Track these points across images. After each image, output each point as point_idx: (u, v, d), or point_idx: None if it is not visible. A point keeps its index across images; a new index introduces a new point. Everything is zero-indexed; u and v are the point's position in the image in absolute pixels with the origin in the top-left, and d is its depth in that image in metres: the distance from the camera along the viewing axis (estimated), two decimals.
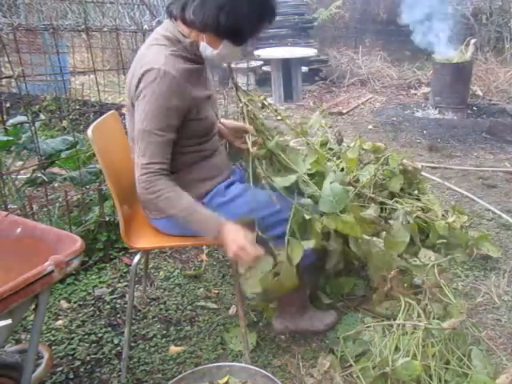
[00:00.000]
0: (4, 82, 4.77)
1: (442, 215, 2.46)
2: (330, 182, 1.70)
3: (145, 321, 2.03)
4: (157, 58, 1.43)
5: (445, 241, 2.35)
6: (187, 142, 1.55)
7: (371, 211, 1.93)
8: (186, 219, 1.47)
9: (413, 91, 6.20)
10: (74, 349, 1.86)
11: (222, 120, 1.77)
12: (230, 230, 1.45)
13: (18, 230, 1.42)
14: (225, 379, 1.53)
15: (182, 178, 1.57)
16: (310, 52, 5.99)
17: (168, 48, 1.47)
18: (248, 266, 1.46)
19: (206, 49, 1.50)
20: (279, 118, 1.82)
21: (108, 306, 2.11)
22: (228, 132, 1.78)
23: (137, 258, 1.65)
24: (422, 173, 3.11)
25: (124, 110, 2.10)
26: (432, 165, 3.79)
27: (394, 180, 2.49)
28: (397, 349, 1.60)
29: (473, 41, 5.10)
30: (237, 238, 1.43)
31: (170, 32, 1.50)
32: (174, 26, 1.50)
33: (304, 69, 6.23)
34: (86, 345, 1.89)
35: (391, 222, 2.03)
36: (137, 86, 1.44)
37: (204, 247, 2.49)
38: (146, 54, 1.48)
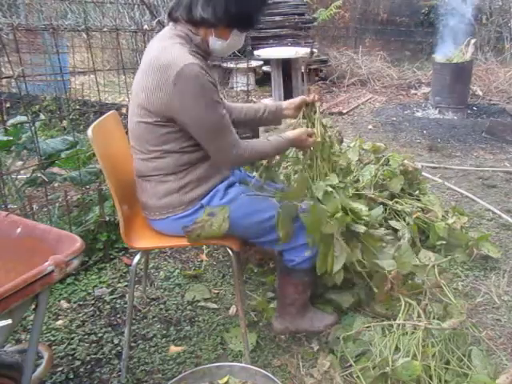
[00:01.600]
0: (4, 82, 4.77)
1: (442, 216, 2.46)
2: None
3: (145, 321, 2.03)
4: (181, 56, 1.44)
5: (444, 242, 2.35)
6: (188, 142, 1.55)
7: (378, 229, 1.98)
8: (275, 153, 1.74)
9: (413, 91, 6.21)
10: (74, 349, 1.86)
11: (283, 102, 1.92)
12: (293, 134, 1.71)
13: (18, 230, 1.42)
14: (225, 379, 1.53)
15: (182, 177, 1.57)
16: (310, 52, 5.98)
17: (185, 46, 1.49)
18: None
19: (216, 43, 1.54)
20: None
21: (108, 306, 2.11)
22: (292, 111, 1.88)
23: (137, 257, 1.65)
24: (422, 173, 3.11)
25: (124, 110, 2.10)
26: (432, 165, 3.79)
27: (394, 180, 2.50)
28: (397, 349, 1.60)
29: (473, 41, 5.10)
30: (299, 131, 1.73)
31: (180, 31, 1.52)
32: (181, 26, 1.52)
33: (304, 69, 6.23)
34: (86, 345, 1.89)
35: (400, 242, 2.08)
36: (172, 87, 1.43)
37: (204, 247, 2.49)
38: (165, 54, 1.46)
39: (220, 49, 1.57)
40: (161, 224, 1.64)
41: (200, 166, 1.60)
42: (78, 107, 4.36)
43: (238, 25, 1.53)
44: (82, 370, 1.77)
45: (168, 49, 1.47)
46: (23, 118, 2.56)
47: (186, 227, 1.57)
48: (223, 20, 1.49)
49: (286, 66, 5.80)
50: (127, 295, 2.14)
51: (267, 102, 1.93)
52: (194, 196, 1.59)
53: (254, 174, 1.85)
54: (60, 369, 1.76)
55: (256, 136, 3.55)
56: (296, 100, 1.86)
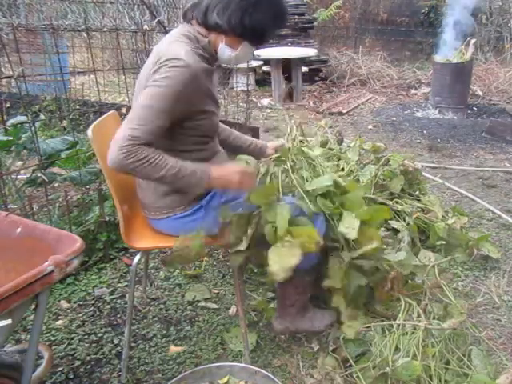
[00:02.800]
0: (4, 82, 4.76)
1: (442, 216, 2.46)
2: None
3: (145, 321, 2.03)
4: (179, 51, 1.44)
5: (444, 242, 2.35)
6: (190, 142, 1.55)
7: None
8: (175, 177, 1.42)
9: (413, 91, 6.21)
10: (74, 349, 1.86)
11: (268, 143, 1.93)
12: (221, 168, 1.51)
13: (18, 230, 1.42)
14: (225, 379, 1.53)
15: None
16: (310, 52, 5.99)
17: (189, 45, 1.49)
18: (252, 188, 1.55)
19: (225, 50, 1.55)
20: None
21: (108, 306, 2.11)
22: (271, 153, 1.87)
23: (137, 257, 1.65)
24: (422, 173, 3.11)
25: (124, 110, 2.10)
26: (432, 165, 3.79)
27: (394, 181, 2.50)
28: (397, 349, 1.60)
29: (473, 41, 5.10)
30: (232, 169, 1.51)
31: (188, 31, 1.53)
32: (192, 27, 1.54)
33: (304, 69, 6.23)
34: (86, 345, 1.89)
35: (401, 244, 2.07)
36: (155, 69, 1.43)
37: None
38: (166, 48, 1.48)
39: (227, 58, 1.57)
40: (161, 223, 1.64)
41: None
42: (77, 107, 4.36)
43: (250, 38, 1.54)
44: (82, 369, 1.77)
45: (171, 44, 1.49)
46: (23, 118, 2.55)
47: (164, 257, 1.54)
48: (236, 30, 1.50)
49: (286, 65, 5.80)
50: (127, 295, 2.14)
51: (256, 140, 1.94)
52: (194, 196, 1.59)
53: None
54: (60, 369, 1.76)
55: (256, 135, 3.56)
56: (275, 144, 1.91)
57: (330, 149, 2.68)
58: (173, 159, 1.43)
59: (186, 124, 1.52)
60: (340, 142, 2.71)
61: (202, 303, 2.12)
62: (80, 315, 2.05)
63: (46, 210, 2.33)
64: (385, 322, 1.75)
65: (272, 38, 1.64)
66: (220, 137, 1.82)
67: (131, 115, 1.41)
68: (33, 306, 1.28)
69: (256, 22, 1.49)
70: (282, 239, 1.50)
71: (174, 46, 1.47)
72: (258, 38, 1.57)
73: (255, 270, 2.30)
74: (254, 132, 3.52)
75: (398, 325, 1.67)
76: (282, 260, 1.46)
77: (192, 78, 1.42)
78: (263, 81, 6.46)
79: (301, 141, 1.88)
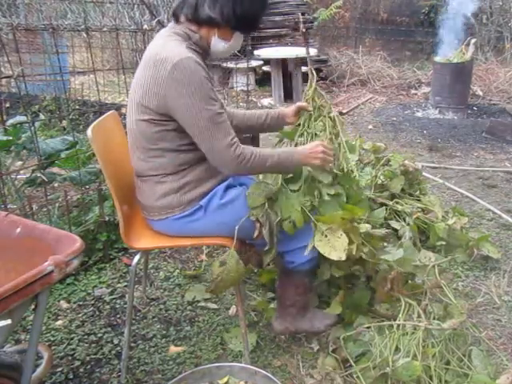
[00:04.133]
0: (4, 81, 4.76)
1: (443, 216, 2.46)
2: None
3: (145, 321, 2.03)
4: (177, 51, 1.45)
5: (444, 243, 2.35)
6: (184, 141, 1.54)
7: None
8: (278, 163, 1.56)
9: (413, 91, 6.20)
10: (73, 349, 1.86)
11: (285, 109, 1.89)
12: (305, 148, 1.62)
13: (18, 230, 1.42)
14: (225, 379, 1.53)
15: (181, 178, 1.57)
16: (310, 52, 5.98)
17: (182, 42, 1.50)
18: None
19: (218, 44, 1.55)
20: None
21: (108, 306, 2.11)
22: (290, 119, 1.85)
23: (137, 258, 1.65)
24: (423, 173, 3.11)
25: (124, 110, 2.10)
26: (432, 165, 3.79)
27: (395, 181, 2.49)
28: (397, 349, 1.59)
29: (473, 41, 5.10)
30: (314, 143, 1.63)
31: (178, 29, 1.53)
32: (181, 25, 1.54)
33: (304, 69, 6.23)
34: (86, 345, 1.88)
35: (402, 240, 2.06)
36: (169, 81, 1.43)
37: (204, 247, 2.49)
38: (161, 50, 1.47)
39: (222, 50, 1.58)
40: (160, 224, 1.64)
41: (198, 167, 1.59)
42: (77, 107, 4.36)
43: (243, 27, 1.55)
44: (81, 370, 1.76)
45: (165, 45, 1.49)
46: (23, 118, 2.55)
47: (207, 288, 1.58)
48: (230, 21, 1.50)
49: (286, 65, 5.80)
50: (127, 295, 2.14)
51: (269, 110, 1.90)
52: (193, 196, 1.59)
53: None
54: (60, 369, 1.76)
55: (256, 137, 3.55)
56: (293, 107, 1.86)
57: None
58: (263, 149, 1.58)
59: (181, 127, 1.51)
60: None
61: (202, 303, 2.12)
62: (80, 315, 2.05)
63: (45, 210, 2.33)
64: (385, 322, 1.75)
65: (261, 23, 1.66)
66: (234, 123, 1.79)
67: (204, 134, 1.47)
68: (32, 306, 1.28)
69: (247, 11, 1.50)
70: (319, 231, 1.57)
71: (171, 46, 1.47)
72: (250, 26, 1.59)
73: (255, 270, 2.30)
74: (255, 134, 3.51)
75: (398, 325, 1.67)
76: (334, 247, 1.55)
77: (202, 68, 1.46)
78: (263, 81, 6.45)
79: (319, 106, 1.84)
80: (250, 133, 1.91)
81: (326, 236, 1.57)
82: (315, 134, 1.75)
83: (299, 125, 1.79)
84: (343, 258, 1.55)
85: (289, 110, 1.86)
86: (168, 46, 1.48)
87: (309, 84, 1.82)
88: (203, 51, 1.56)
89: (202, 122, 1.45)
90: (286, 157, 1.58)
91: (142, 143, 1.55)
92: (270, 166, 1.55)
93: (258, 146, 3.57)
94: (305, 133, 1.75)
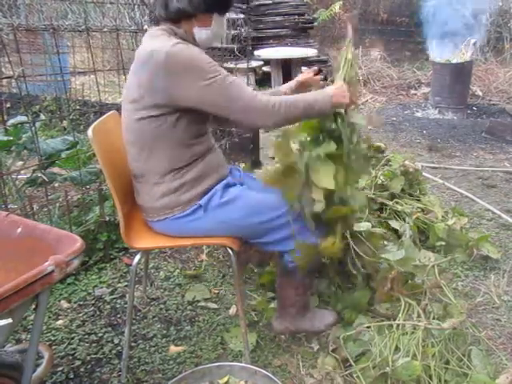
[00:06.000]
0: (4, 82, 4.77)
1: (442, 216, 2.46)
2: None
3: (145, 321, 2.03)
4: (168, 41, 1.46)
5: (444, 243, 2.35)
6: (185, 141, 1.54)
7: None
8: (312, 105, 1.53)
9: (413, 91, 6.21)
10: (74, 349, 1.87)
11: (282, 86, 1.87)
12: (331, 88, 1.58)
13: (19, 230, 1.42)
14: (225, 379, 1.53)
15: (177, 178, 1.57)
16: (309, 52, 5.99)
17: (171, 36, 1.50)
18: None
19: (201, 32, 1.56)
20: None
21: (108, 306, 2.11)
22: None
23: (137, 257, 1.65)
24: (423, 173, 3.11)
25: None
26: (432, 165, 3.79)
27: (395, 181, 2.50)
28: (397, 349, 1.60)
29: (473, 41, 5.11)
30: (338, 83, 1.59)
31: (162, 29, 1.54)
32: (163, 25, 1.54)
33: (304, 69, 6.23)
34: (87, 345, 1.89)
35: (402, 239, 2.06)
36: (163, 73, 1.43)
37: (204, 247, 2.49)
38: (150, 45, 1.48)
39: (206, 37, 1.57)
40: (160, 225, 1.64)
41: (195, 167, 1.59)
42: (78, 107, 4.36)
43: (217, 7, 1.54)
44: (82, 369, 1.77)
45: (153, 41, 1.50)
46: (23, 118, 2.56)
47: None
48: (201, 6, 1.50)
49: (286, 65, 5.80)
50: (127, 295, 2.14)
51: (276, 90, 1.88)
52: (192, 196, 1.59)
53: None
54: (60, 368, 1.76)
55: (256, 135, 3.56)
56: (298, 79, 1.85)
57: None
58: (287, 96, 1.56)
59: (188, 116, 1.52)
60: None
61: (202, 303, 2.12)
62: (80, 315, 2.05)
63: (46, 210, 2.33)
64: (385, 322, 1.76)
65: None
66: None
67: (226, 104, 1.46)
68: (33, 306, 1.28)
69: None
70: None
71: (160, 42, 1.47)
72: (223, 4, 1.57)
73: (255, 270, 2.30)
74: (254, 132, 3.52)
75: (398, 325, 1.68)
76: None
77: (190, 48, 1.46)
78: (263, 81, 6.45)
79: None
80: None
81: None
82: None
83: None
84: (332, 186, 1.53)
85: (293, 83, 1.85)
86: (155, 41, 1.49)
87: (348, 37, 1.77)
88: (192, 45, 1.55)
89: (217, 90, 1.44)
90: (317, 98, 1.55)
91: (137, 144, 1.56)
92: (303, 107, 1.52)
93: (257, 145, 3.58)
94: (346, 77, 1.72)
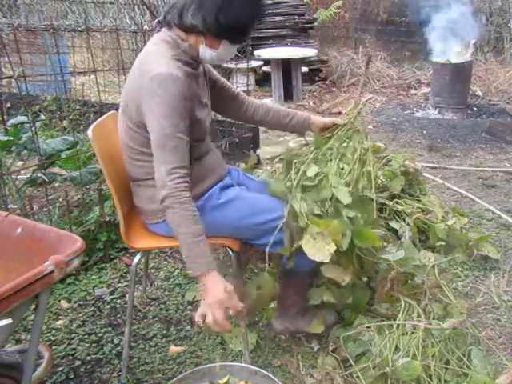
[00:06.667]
0: (4, 82, 4.77)
1: (442, 216, 2.46)
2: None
3: (145, 321, 2.03)
4: (161, 62, 1.44)
5: (444, 243, 2.35)
6: None
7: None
8: (185, 242, 1.42)
9: (413, 91, 6.21)
10: (74, 349, 1.87)
11: (312, 116, 1.83)
12: (214, 280, 1.41)
13: (19, 230, 1.42)
14: (225, 379, 1.53)
15: None
16: (309, 52, 5.99)
17: (169, 52, 1.47)
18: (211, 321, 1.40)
19: (206, 51, 1.52)
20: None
21: (108, 306, 2.12)
22: (318, 130, 1.80)
23: (137, 257, 1.65)
24: (423, 173, 3.11)
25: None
26: (432, 165, 3.79)
27: (395, 181, 2.50)
28: (397, 349, 1.60)
29: (473, 41, 5.11)
30: (216, 292, 1.39)
31: (168, 36, 1.51)
32: (172, 31, 1.52)
33: (304, 69, 6.24)
34: (87, 345, 1.89)
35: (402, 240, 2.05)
36: (145, 94, 1.43)
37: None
38: (147, 59, 1.48)
39: (209, 58, 1.54)
40: (158, 227, 1.63)
41: (194, 168, 1.58)
42: (78, 107, 4.36)
43: (228, 36, 1.49)
44: (82, 369, 1.77)
45: (152, 54, 1.48)
46: (23, 118, 2.56)
47: (246, 315, 1.52)
48: (212, 29, 1.45)
49: (286, 66, 5.80)
50: (127, 295, 2.14)
51: (297, 111, 1.85)
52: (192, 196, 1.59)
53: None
54: (60, 369, 1.77)
55: (256, 135, 3.56)
56: (326, 121, 1.80)
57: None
58: (198, 228, 1.41)
59: None
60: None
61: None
62: (80, 315, 2.05)
63: (46, 210, 2.33)
64: (385, 322, 1.76)
65: (251, 33, 1.60)
66: (257, 118, 1.80)
67: (155, 148, 1.42)
68: (33, 306, 1.28)
69: (232, 20, 1.44)
70: (310, 232, 1.53)
71: (154, 57, 1.46)
72: (237, 35, 1.52)
73: (255, 270, 2.30)
74: (254, 132, 3.52)
75: (398, 325, 1.68)
76: (320, 250, 1.51)
77: (181, 84, 1.41)
78: (263, 81, 6.46)
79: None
80: (272, 128, 1.83)
81: (314, 239, 1.53)
82: (343, 154, 1.72)
83: (329, 138, 1.76)
84: (326, 260, 1.51)
85: (321, 120, 1.81)
86: (154, 55, 1.47)
87: (353, 105, 1.78)
88: (193, 60, 1.54)
89: (157, 133, 1.41)
90: (195, 254, 1.41)
91: (129, 149, 1.56)
92: (177, 232, 1.41)
93: (258, 145, 3.59)
94: (335, 149, 1.71)
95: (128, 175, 1.64)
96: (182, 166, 1.42)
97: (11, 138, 2.38)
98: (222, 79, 1.80)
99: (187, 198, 1.40)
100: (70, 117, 3.90)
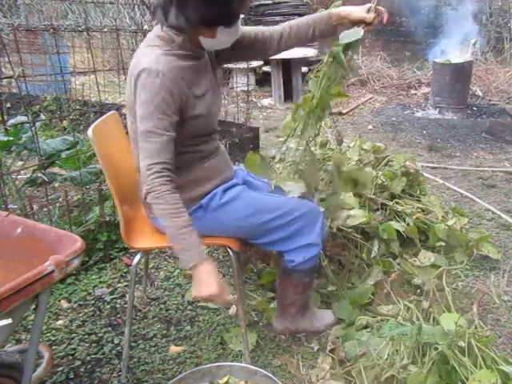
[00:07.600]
0: (4, 82, 4.77)
1: (442, 216, 2.46)
2: None
3: (145, 321, 2.03)
4: (148, 58, 1.44)
5: (444, 243, 2.35)
6: (184, 142, 1.54)
7: None
8: (172, 236, 1.43)
9: (413, 91, 6.21)
10: (74, 349, 1.87)
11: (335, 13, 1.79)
12: (205, 270, 1.43)
13: (19, 230, 1.42)
14: (225, 379, 1.53)
15: (179, 178, 1.56)
16: (309, 52, 5.99)
17: (161, 48, 1.47)
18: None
19: (207, 41, 1.50)
20: None
21: (108, 306, 2.12)
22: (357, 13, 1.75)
23: (137, 257, 1.65)
24: (423, 173, 3.11)
25: (124, 110, 2.10)
26: (432, 165, 3.80)
27: (395, 181, 2.49)
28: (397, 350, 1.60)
29: (473, 41, 5.11)
30: (209, 282, 1.42)
31: (163, 32, 1.49)
32: (166, 27, 1.50)
33: (304, 69, 6.23)
34: (87, 345, 1.89)
35: None
36: (134, 88, 1.44)
37: (204, 247, 2.48)
38: (140, 56, 1.49)
39: (213, 45, 1.53)
40: (158, 221, 1.63)
41: (197, 168, 1.59)
42: (78, 107, 4.36)
43: (220, 23, 1.45)
44: (82, 369, 1.77)
45: (145, 49, 1.48)
46: (23, 118, 2.56)
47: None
48: (199, 23, 1.42)
49: (286, 66, 5.80)
50: (127, 295, 2.14)
51: (314, 17, 1.80)
52: (193, 196, 1.59)
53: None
54: (60, 369, 1.77)
55: (256, 135, 3.55)
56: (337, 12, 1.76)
57: (331, 149, 2.68)
58: (183, 220, 1.42)
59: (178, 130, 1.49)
60: (340, 142, 2.70)
61: (202, 303, 2.12)
62: (80, 315, 2.06)
63: (46, 210, 2.33)
64: (385, 322, 1.75)
65: (245, 11, 1.51)
66: (282, 46, 1.74)
67: (140, 142, 1.43)
68: (33, 306, 1.28)
69: (216, 8, 1.39)
70: None
71: (145, 54, 1.46)
72: (227, 19, 1.45)
73: (255, 270, 2.30)
74: (254, 132, 3.52)
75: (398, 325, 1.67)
76: None
77: (167, 80, 1.40)
78: (263, 81, 6.46)
79: None
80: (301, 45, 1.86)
81: None
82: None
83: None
84: None
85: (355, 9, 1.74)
86: (146, 50, 1.47)
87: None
88: (192, 51, 1.52)
89: (139, 131, 1.43)
90: (184, 246, 1.42)
91: (136, 144, 1.56)
92: (164, 225, 1.43)
93: (258, 145, 3.58)
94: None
95: (136, 168, 1.64)
96: (161, 162, 1.41)
97: (11, 138, 2.38)
98: (249, 32, 1.68)
99: (166, 192, 1.40)
100: (70, 117, 3.90)
